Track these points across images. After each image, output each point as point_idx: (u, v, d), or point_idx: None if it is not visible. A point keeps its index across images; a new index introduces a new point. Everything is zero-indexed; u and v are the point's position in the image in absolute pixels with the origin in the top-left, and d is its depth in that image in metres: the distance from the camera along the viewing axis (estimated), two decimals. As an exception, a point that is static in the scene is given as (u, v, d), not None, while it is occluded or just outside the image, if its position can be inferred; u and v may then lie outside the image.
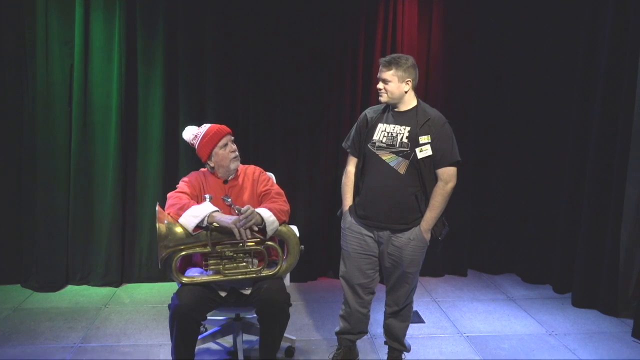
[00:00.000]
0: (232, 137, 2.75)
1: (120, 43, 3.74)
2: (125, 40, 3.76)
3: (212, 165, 2.72)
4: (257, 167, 2.86)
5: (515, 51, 4.19)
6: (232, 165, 2.70)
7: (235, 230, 2.40)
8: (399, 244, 2.62)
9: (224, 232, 2.46)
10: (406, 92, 2.61)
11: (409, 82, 2.60)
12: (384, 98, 2.64)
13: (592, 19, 3.78)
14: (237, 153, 2.72)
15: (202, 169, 2.81)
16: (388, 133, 2.62)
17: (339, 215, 2.84)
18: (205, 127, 2.74)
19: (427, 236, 2.62)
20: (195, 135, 2.73)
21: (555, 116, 4.09)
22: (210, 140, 2.68)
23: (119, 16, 3.72)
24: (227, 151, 2.68)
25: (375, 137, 2.65)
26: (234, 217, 2.44)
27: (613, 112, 3.61)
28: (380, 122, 2.67)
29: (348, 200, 2.77)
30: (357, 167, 2.75)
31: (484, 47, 4.22)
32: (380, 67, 2.62)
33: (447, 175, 2.58)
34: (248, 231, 2.42)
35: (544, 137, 4.15)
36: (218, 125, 2.75)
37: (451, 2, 4.11)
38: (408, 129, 2.59)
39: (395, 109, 2.66)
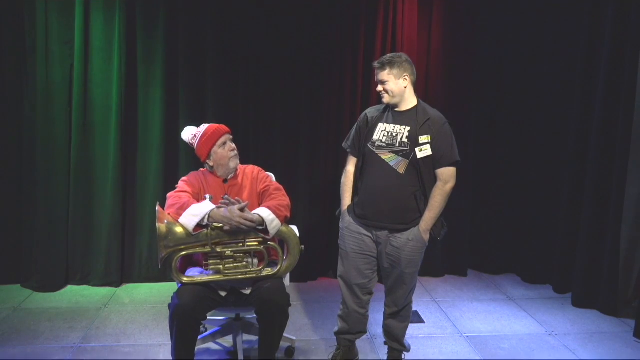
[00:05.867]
0: (231, 136, 2.76)
1: (120, 43, 3.74)
2: (125, 40, 3.76)
3: (211, 164, 2.73)
4: (256, 167, 2.87)
5: (515, 51, 4.19)
6: (232, 164, 2.71)
7: (231, 219, 2.41)
8: (398, 245, 2.62)
9: (224, 231, 2.47)
10: (406, 88, 2.62)
11: (407, 78, 2.61)
12: (386, 99, 2.65)
13: (592, 18, 3.77)
14: (236, 152, 2.73)
15: (202, 169, 2.82)
16: (388, 133, 2.62)
17: (337, 215, 2.84)
18: (204, 126, 2.75)
19: (426, 236, 2.62)
20: (194, 135, 2.74)
21: (555, 116, 4.09)
22: (209, 139, 2.69)
23: (119, 16, 3.72)
24: (226, 150, 2.69)
25: (375, 136, 2.65)
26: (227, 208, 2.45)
27: (613, 112, 3.61)
28: (381, 122, 2.68)
29: (347, 199, 2.77)
30: (356, 167, 2.75)
31: (484, 46, 4.22)
32: (375, 71, 2.65)
33: (447, 175, 2.58)
34: (243, 220, 2.43)
35: (544, 137, 4.15)
36: (217, 125, 2.76)
37: (451, 2, 4.11)
38: (408, 128, 2.59)
39: (396, 109, 2.67)
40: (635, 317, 3.41)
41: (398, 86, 2.61)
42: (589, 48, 3.80)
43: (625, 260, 3.64)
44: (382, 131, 2.64)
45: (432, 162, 2.57)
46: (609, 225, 3.65)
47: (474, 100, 4.23)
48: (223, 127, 2.75)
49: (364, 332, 2.90)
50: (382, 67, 2.61)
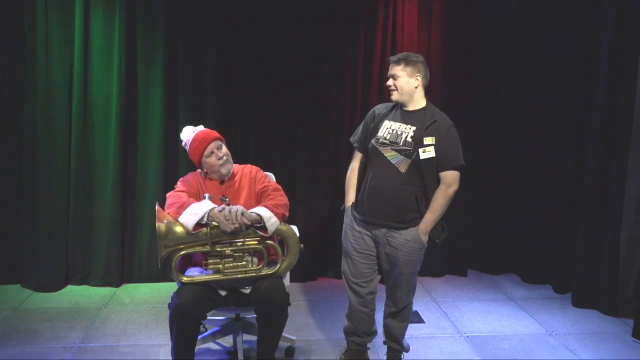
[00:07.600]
0: (221, 142, 2.72)
1: (120, 43, 3.74)
2: (125, 40, 3.76)
3: (204, 170, 2.73)
4: (254, 166, 2.86)
5: (515, 50, 4.19)
6: (223, 170, 2.69)
7: (226, 223, 2.43)
8: (396, 245, 2.61)
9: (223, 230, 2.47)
10: (416, 88, 2.62)
11: (418, 78, 2.62)
12: (394, 96, 2.65)
13: (592, 18, 3.78)
14: (226, 157, 2.69)
15: (199, 170, 2.81)
16: (393, 130, 2.62)
17: (342, 210, 2.83)
18: (194, 133, 2.73)
19: (425, 238, 2.59)
20: (185, 143, 2.75)
21: (555, 116, 4.09)
22: (196, 149, 2.68)
23: (119, 16, 3.72)
24: (213, 159, 2.66)
25: (380, 133, 2.65)
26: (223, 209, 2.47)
27: (613, 112, 3.61)
28: (387, 119, 2.68)
29: (350, 196, 2.77)
30: (361, 163, 2.75)
31: (483, 47, 4.22)
32: (390, 65, 2.66)
33: (450, 178, 2.57)
34: (240, 219, 2.44)
35: (544, 137, 4.15)
36: (204, 132, 2.72)
37: (451, 2, 4.11)
38: (414, 128, 2.59)
39: (404, 108, 2.67)
40: (634, 317, 3.41)
41: (409, 84, 2.61)
42: (589, 48, 3.80)
43: (625, 260, 3.64)
44: (387, 128, 2.64)
45: (436, 165, 2.56)
46: (609, 225, 3.65)
47: (474, 100, 4.23)
48: (211, 134, 2.71)
49: (370, 333, 2.85)
50: (398, 61, 2.62)
